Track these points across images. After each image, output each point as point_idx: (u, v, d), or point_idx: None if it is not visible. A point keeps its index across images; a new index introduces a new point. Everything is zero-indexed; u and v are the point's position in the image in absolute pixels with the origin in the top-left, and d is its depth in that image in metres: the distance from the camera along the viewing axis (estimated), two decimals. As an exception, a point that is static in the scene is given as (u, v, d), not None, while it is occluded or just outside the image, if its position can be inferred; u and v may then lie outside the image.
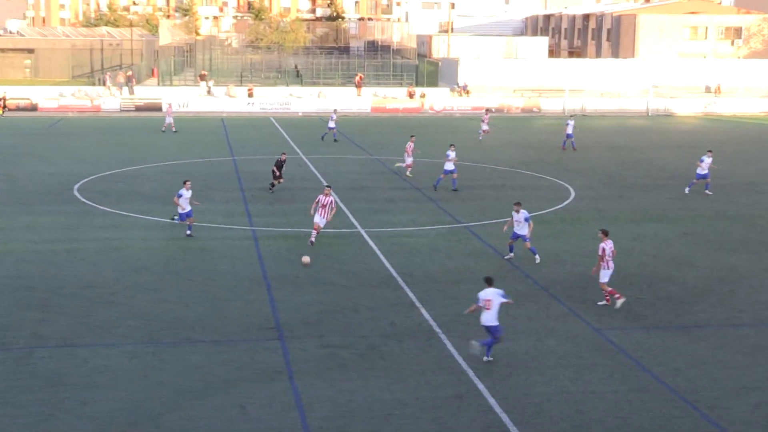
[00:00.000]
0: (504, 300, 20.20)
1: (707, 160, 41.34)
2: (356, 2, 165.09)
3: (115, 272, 27.12)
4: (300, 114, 77.05)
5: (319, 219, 30.10)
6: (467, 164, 48.20)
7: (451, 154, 40.92)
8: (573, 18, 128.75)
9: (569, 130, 56.23)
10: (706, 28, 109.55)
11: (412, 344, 21.28)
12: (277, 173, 40.05)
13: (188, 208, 31.34)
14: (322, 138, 59.02)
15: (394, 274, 27.20)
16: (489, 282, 20.38)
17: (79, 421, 16.86)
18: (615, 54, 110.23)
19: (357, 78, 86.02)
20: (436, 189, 40.57)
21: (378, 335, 21.85)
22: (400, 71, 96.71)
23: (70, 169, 45.94)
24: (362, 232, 32.66)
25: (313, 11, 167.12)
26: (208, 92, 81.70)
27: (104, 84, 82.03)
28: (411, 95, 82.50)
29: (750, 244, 31.79)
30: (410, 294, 25.25)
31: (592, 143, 58.79)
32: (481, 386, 18.84)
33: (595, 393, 18.67)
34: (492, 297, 19.95)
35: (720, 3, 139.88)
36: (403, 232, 32.81)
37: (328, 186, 31.63)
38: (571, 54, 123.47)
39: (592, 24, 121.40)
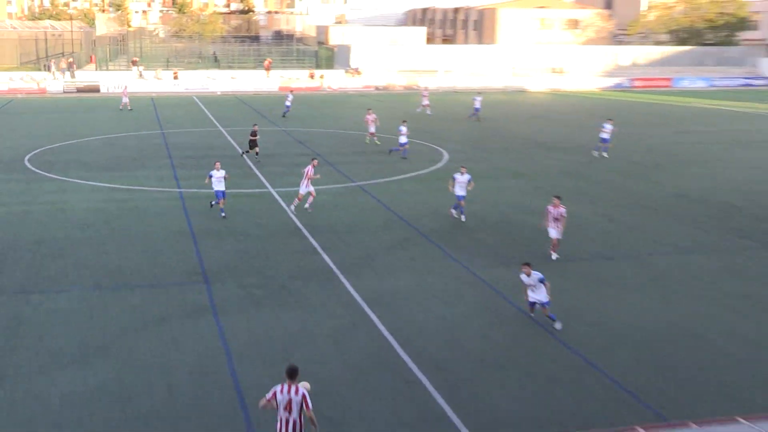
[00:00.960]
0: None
1: (608, 127, 41.97)
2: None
3: (63, 230, 26.59)
4: (218, 93, 75.90)
5: (303, 189, 28.73)
6: (362, 134, 48.31)
7: (404, 128, 40.52)
8: (445, 11, 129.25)
9: (477, 105, 56.85)
10: (553, 20, 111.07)
11: (316, 283, 21.43)
12: (253, 141, 39.31)
13: (221, 187, 28.15)
14: (284, 115, 57.78)
15: (300, 226, 27.24)
16: (529, 265, 18.45)
17: (37, 355, 16.71)
18: (480, 41, 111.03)
19: (266, 62, 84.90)
20: (405, 158, 40.19)
21: (287, 277, 21.93)
22: (303, 56, 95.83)
23: (21, 143, 44.58)
24: (272, 191, 32.55)
25: (228, 6, 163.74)
26: (140, 76, 79.77)
27: (48, 69, 79.32)
28: (312, 76, 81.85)
29: (585, 195, 32.66)
30: (314, 242, 25.35)
31: (461, 115, 59.37)
32: (372, 316, 19.09)
33: (465, 318, 19.10)
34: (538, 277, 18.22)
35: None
36: (307, 191, 32.84)
37: (314, 158, 29.84)
38: (445, 41, 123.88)
39: (461, 16, 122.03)
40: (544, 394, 15.37)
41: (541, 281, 18.15)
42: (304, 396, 11.45)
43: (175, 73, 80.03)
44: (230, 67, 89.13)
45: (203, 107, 64.59)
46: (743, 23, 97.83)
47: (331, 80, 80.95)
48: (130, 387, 15.39)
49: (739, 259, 24.29)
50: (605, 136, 41.55)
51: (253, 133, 39.47)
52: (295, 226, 27.26)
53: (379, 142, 43.85)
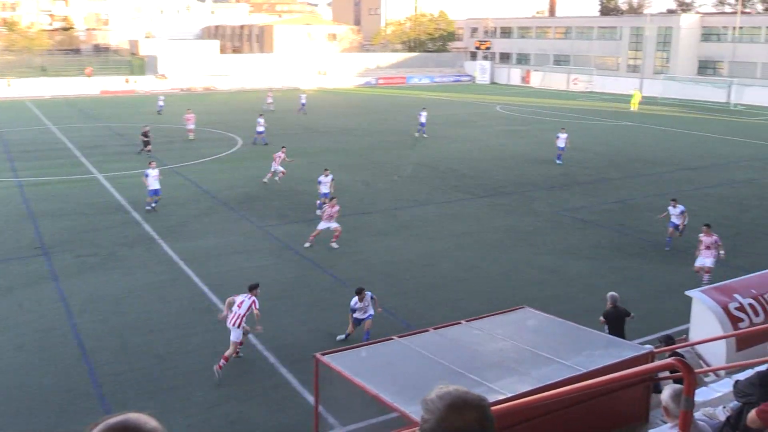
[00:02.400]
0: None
1: (424, 114, 41.99)
2: (84, 17, 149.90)
3: None
4: (48, 97, 69.60)
5: (276, 168, 28.34)
6: (167, 126, 46.14)
7: (261, 120, 39.07)
8: (233, 27, 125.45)
9: (303, 101, 55.18)
10: (316, 34, 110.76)
11: (140, 248, 20.35)
12: (146, 141, 34.89)
13: (157, 185, 24.17)
14: (159, 113, 52.58)
15: (124, 203, 25.69)
16: (359, 292, 14.20)
17: None
18: (262, 50, 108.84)
19: (87, 70, 78.67)
20: (266, 144, 38.19)
21: (115, 245, 20.66)
22: (118, 65, 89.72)
23: None
24: (99, 176, 30.42)
25: (51, 24, 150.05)
26: (-24, 85, 71.41)
27: None
28: (127, 81, 76.87)
29: (346, 166, 32.97)
30: (136, 215, 23.99)
31: (249, 109, 58.15)
32: (189, 271, 18.46)
33: (261, 266, 18.91)
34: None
35: (322, 16, 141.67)
36: (128, 174, 30.88)
37: (284, 147, 30.03)
38: (234, 51, 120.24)
39: (246, 32, 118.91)
40: (321, 317, 15.55)
41: (372, 299, 14.44)
42: (253, 301, 13.24)
43: (8, 81, 72.37)
44: (57, 75, 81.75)
45: (35, 109, 59.00)
46: (452, 35, 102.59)
47: (143, 84, 76.44)
48: (-18, 348, 13.95)
49: (458, 207, 25.64)
50: (422, 120, 41.77)
51: (145, 134, 35.16)
52: (119, 203, 25.66)
53: (193, 138, 41.33)
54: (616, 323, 12.62)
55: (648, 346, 9.89)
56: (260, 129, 39.60)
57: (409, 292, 17.25)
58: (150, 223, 23.04)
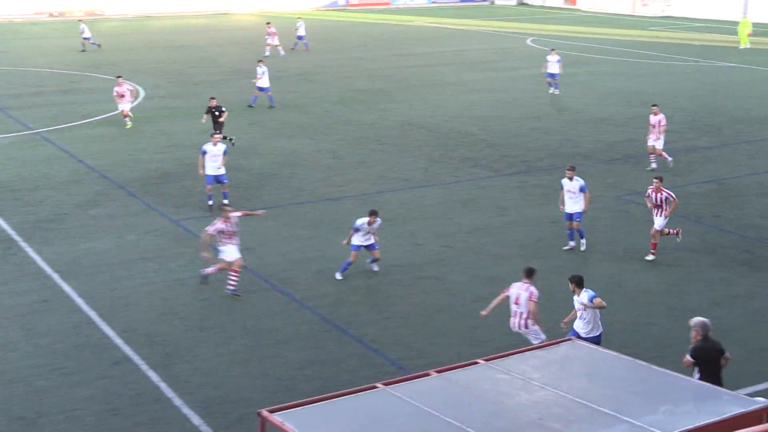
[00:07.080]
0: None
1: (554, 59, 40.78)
2: None
3: None
4: None
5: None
6: (37, 70, 45.81)
7: (261, 71, 36.68)
8: None
9: (301, 32, 55.01)
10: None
11: (-8, 255, 20.27)
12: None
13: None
14: None
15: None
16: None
17: None
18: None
19: None
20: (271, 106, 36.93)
21: (-45, 250, 20.56)
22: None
23: None
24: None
25: None
26: None
27: None
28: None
29: (305, 129, 33.06)
30: (-15, 204, 23.90)
31: (156, 43, 57.83)
32: (66, 288, 18.39)
33: (178, 280, 18.87)
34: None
35: None
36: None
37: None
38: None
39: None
40: (272, 356, 15.53)
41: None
42: (531, 293, 14.87)
43: None
44: None
45: None
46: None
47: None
48: None
49: (472, 190, 25.68)
50: (553, 71, 40.03)
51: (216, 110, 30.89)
52: (-40, 187, 25.50)
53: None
54: (710, 364, 12.47)
55: (761, 399, 9.99)
56: (263, 85, 37.06)
57: (400, 318, 17.27)
58: (7, 216, 22.89)
